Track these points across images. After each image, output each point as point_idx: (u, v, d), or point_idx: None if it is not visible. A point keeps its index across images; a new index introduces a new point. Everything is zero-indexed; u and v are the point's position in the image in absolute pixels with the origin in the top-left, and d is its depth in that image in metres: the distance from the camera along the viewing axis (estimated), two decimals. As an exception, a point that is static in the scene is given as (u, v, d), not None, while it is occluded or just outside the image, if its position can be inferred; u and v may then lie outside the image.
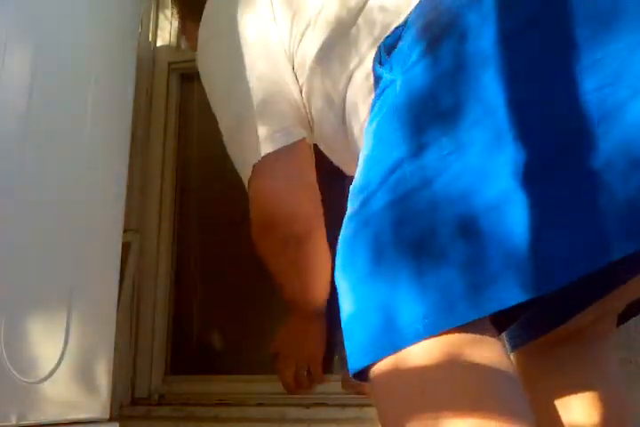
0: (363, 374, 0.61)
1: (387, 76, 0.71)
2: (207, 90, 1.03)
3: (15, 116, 0.99)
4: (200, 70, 1.03)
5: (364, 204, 0.64)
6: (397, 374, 0.57)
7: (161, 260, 1.56)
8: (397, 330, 0.57)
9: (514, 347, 0.86)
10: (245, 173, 0.94)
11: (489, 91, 0.59)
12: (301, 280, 0.97)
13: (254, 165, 0.91)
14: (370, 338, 0.59)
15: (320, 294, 0.98)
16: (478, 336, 0.57)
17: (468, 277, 0.55)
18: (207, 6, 1.04)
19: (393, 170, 0.62)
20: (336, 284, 0.66)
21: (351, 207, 0.67)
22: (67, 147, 1.08)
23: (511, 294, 0.54)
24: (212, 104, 1.01)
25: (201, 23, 1.03)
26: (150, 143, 1.61)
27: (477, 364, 0.56)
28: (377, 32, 0.80)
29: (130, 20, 1.30)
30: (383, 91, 0.70)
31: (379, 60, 0.75)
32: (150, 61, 1.67)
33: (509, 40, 0.61)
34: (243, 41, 0.94)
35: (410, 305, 0.57)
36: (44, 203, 1.02)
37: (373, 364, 0.59)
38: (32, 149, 1.01)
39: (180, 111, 1.67)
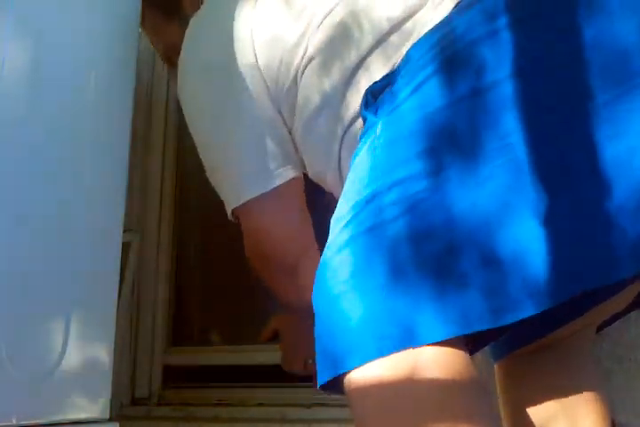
0: (334, 384, 0.62)
1: (371, 118, 0.73)
2: (189, 126, 1.01)
3: (15, 116, 0.99)
4: (182, 104, 1.02)
5: (375, 214, 0.64)
6: (391, 378, 0.58)
7: (161, 260, 1.57)
8: (410, 333, 0.58)
9: (498, 357, 0.87)
10: (229, 210, 0.95)
11: (509, 130, 0.62)
12: (299, 296, 0.98)
13: (240, 206, 0.92)
14: (377, 339, 0.60)
15: None
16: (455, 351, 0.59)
17: (488, 302, 0.58)
18: (187, 36, 1.00)
19: (405, 186, 0.64)
20: (329, 287, 0.65)
21: (352, 214, 0.67)
22: (67, 147, 1.08)
23: (524, 310, 0.57)
24: (194, 138, 1.00)
25: (182, 53, 1.00)
26: (150, 143, 1.62)
27: (454, 378, 0.57)
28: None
29: (130, 20, 1.30)
30: (367, 131, 0.72)
31: (365, 104, 0.77)
32: (150, 61, 1.67)
33: (527, 82, 0.63)
34: (226, 82, 0.92)
35: (427, 319, 0.58)
36: (45, 203, 1.02)
37: (347, 373, 0.61)
38: (32, 150, 1.01)
39: (180, 111, 1.67)
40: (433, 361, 0.58)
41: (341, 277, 0.64)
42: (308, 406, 1.32)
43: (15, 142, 0.98)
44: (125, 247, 1.35)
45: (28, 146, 1.00)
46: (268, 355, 1.36)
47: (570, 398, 0.79)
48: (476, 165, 0.61)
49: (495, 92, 0.63)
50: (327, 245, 0.69)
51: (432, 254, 0.60)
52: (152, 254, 1.56)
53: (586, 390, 0.81)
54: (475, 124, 0.63)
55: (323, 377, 0.63)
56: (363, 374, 0.60)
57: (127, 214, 1.23)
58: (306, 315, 0.97)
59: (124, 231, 1.22)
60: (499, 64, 0.64)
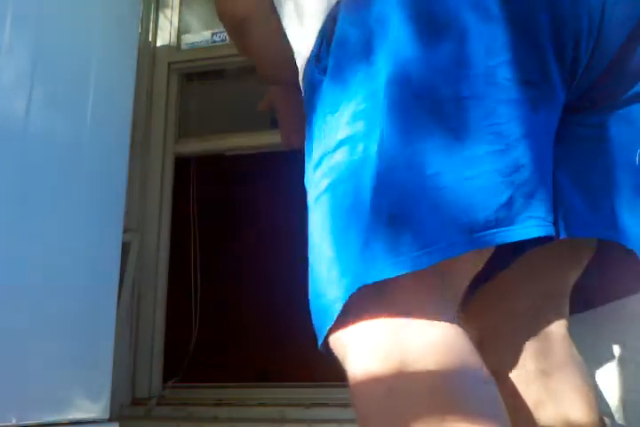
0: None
1: (319, 76, 0.71)
2: None
3: (15, 116, 0.99)
4: None
5: (346, 165, 0.64)
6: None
7: (161, 260, 1.57)
8: (366, 273, 0.59)
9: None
10: None
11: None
12: (258, 59, 0.99)
13: None
14: (342, 289, 0.60)
15: (277, 69, 0.98)
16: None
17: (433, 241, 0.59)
18: None
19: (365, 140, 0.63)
20: (312, 238, 0.65)
21: (323, 158, 0.66)
22: (67, 147, 1.08)
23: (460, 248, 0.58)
24: None
25: None
26: (150, 144, 1.62)
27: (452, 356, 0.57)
28: None
29: (130, 20, 1.30)
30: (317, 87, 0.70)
31: (319, 49, 0.73)
32: (150, 61, 1.67)
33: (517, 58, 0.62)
34: None
35: (381, 261, 0.59)
36: (45, 203, 1.02)
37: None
38: (32, 150, 1.01)
39: (179, 111, 1.67)
40: (421, 348, 0.57)
41: (316, 227, 0.65)
42: (308, 406, 1.32)
43: (15, 143, 0.98)
44: (125, 247, 1.35)
45: (28, 147, 1.01)
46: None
47: (553, 377, 0.79)
48: (464, 141, 0.60)
49: (481, 70, 0.61)
50: (308, 185, 0.68)
51: (388, 205, 0.60)
52: (152, 254, 1.56)
53: (567, 365, 0.80)
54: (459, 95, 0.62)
55: (320, 339, 0.63)
56: (355, 370, 0.59)
57: (127, 214, 1.23)
58: (276, 83, 0.99)
59: (124, 231, 1.22)
60: (484, 34, 0.62)
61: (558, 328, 0.83)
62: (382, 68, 0.63)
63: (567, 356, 0.82)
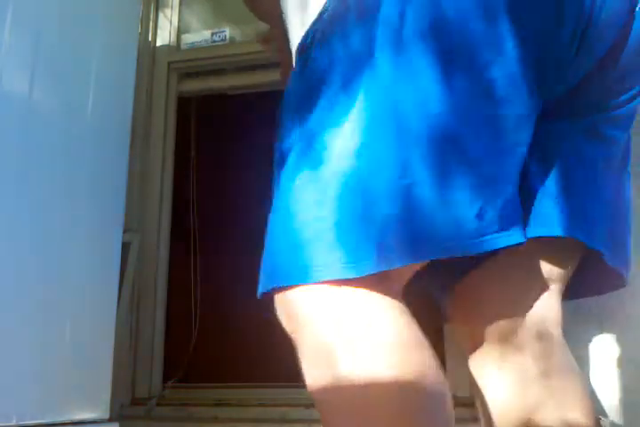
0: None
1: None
2: None
3: (16, 116, 0.99)
4: None
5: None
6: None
7: (161, 260, 1.57)
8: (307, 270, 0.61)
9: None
10: None
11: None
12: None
13: None
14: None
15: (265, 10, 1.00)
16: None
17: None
18: None
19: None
20: None
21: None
22: (67, 147, 1.08)
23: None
24: None
25: None
26: (150, 143, 1.61)
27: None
28: None
29: (130, 20, 1.30)
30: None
31: (311, 42, 0.72)
32: (150, 61, 1.67)
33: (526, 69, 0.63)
34: None
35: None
36: (45, 203, 1.02)
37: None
38: (33, 149, 1.01)
39: (179, 111, 1.67)
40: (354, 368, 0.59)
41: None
42: (308, 406, 1.32)
43: (15, 144, 0.98)
44: (125, 247, 1.35)
45: (29, 146, 1.01)
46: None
47: (553, 379, 0.79)
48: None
49: (487, 89, 0.61)
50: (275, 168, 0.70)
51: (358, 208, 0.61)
52: (152, 254, 1.56)
53: (567, 367, 0.80)
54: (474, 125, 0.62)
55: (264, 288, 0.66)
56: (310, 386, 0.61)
57: (127, 214, 1.23)
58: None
59: (124, 231, 1.22)
60: (495, 57, 0.62)
61: (556, 330, 0.83)
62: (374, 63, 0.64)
63: (566, 359, 0.82)
